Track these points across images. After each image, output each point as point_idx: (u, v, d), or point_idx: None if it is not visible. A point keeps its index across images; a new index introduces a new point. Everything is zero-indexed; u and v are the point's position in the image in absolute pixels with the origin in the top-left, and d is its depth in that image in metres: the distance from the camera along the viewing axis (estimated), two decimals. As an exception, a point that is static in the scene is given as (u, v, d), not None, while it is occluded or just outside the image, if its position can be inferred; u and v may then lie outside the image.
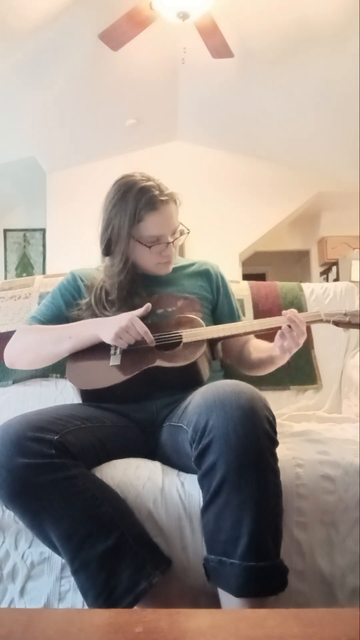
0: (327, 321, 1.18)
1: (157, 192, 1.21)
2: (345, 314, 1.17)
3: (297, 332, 1.14)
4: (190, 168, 5.02)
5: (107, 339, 1.16)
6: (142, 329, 1.16)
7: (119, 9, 2.99)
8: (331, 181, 5.19)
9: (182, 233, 1.29)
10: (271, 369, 1.30)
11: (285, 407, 1.57)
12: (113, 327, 1.15)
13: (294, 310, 1.18)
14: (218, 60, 3.39)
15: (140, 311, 1.19)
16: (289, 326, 1.14)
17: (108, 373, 1.16)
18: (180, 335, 1.18)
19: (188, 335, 1.18)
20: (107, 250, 1.28)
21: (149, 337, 1.17)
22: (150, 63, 3.81)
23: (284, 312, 1.16)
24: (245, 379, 1.07)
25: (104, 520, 0.91)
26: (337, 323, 1.17)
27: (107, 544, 0.89)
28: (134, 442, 1.14)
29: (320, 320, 1.19)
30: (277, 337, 1.17)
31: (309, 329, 1.23)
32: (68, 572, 0.95)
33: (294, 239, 6.37)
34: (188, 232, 1.30)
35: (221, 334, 1.20)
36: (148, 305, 1.21)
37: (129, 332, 1.15)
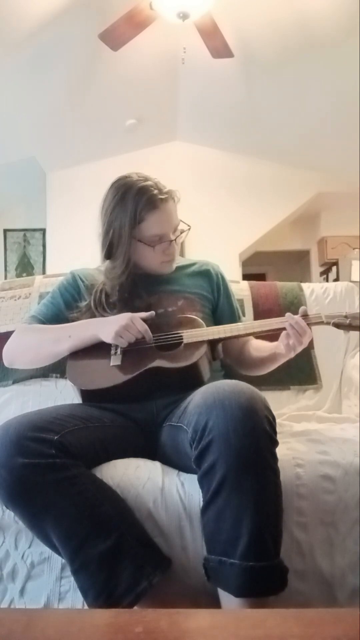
0: (328, 323, 1.18)
1: (156, 191, 1.21)
2: (346, 316, 1.17)
3: (300, 331, 1.15)
4: (190, 168, 5.01)
5: (108, 338, 1.16)
6: (143, 327, 1.16)
7: (119, 9, 2.99)
8: (331, 181, 5.18)
9: (182, 231, 1.29)
10: (272, 367, 1.30)
11: (285, 407, 1.58)
12: (113, 327, 1.15)
13: (299, 315, 1.18)
14: (218, 60, 3.38)
15: (143, 315, 1.19)
16: (293, 327, 1.14)
17: (108, 373, 1.16)
18: (181, 336, 1.18)
19: (189, 335, 1.18)
20: (109, 254, 1.29)
21: (149, 336, 1.17)
22: (150, 63, 3.80)
23: (287, 314, 1.17)
24: (245, 379, 1.07)
25: (104, 520, 0.91)
26: (337, 325, 1.17)
27: (107, 544, 0.89)
28: (134, 442, 1.14)
29: (321, 322, 1.19)
30: (282, 336, 1.17)
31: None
32: (68, 572, 0.95)
33: (294, 239, 6.36)
34: (189, 229, 1.30)
35: (222, 335, 1.20)
36: (152, 312, 1.22)
37: (129, 331, 1.15)
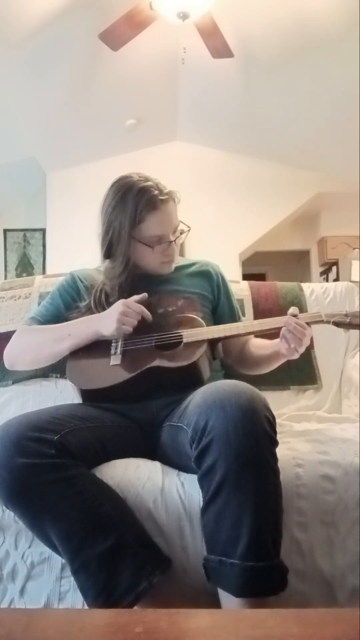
0: (328, 322, 1.18)
1: (156, 192, 1.21)
2: (346, 315, 1.17)
3: (299, 335, 1.14)
4: (190, 168, 5.01)
5: (109, 330, 1.16)
6: (139, 308, 1.17)
7: (119, 9, 2.99)
8: (331, 181, 5.19)
9: (182, 231, 1.29)
10: (274, 365, 1.29)
11: (285, 407, 1.57)
12: (112, 317, 1.15)
13: (294, 314, 1.18)
14: (218, 60, 3.38)
15: (135, 298, 1.20)
16: (291, 332, 1.14)
17: (108, 373, 1.16)
18: (181, 335, 1.18)
19: (188, 335, 1.18)
20: (108, 253, 1.29)
21: (147, 315, 1.18)
22: (150, 63, 3.80)
23: (286, 317, 1.16)
24: (245, 379, 1.07)
25: (104, 520, 0.91)
26: (337, 324, 1.17)
27: (107, 544, 0.89)
28: (134, 442, 1.14)
29: (321, 321, 1.19)
30: (280, 340, 1.16)
31: (309, 330, 1.23)
32: (68, 572, 0.95)
33: (294, 239, 6.36)
34: (189, 230, 1.30)
35: (222, 334, 1.19)
36: (144, 295, 1.22)
37: (128, 316, 1.15)
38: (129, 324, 1.15)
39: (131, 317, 1.16)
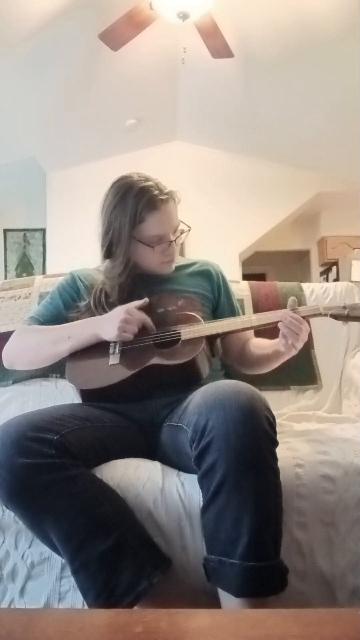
0: (325, 314, 1.17)
1: (156, 192, 1.21)
2: (344, 307, 1.16)
3: (296, 330, 1.13)
4: (190, 168, 5.02)
5: (111, 336, 1.16)
6: (141, 316, 1.18)
7: (119, 9, 2.99)
8: (331, 181, 5.19)
9: (182, 231, 1.29)
10: (275, 364, 1.29)
11: (285, 407, 1.57)
12: (114, 323, 1.15)
13: (292, 306, 1.17)
14: (218, 60, 3.38)
15: (137, 303, 1.20)
16: (287, 327, 1.13)
17: (107, 372, 1.16)
18: (179, 333, 1.18)
19: (186, 332, 1.18)
20: (109, 253, 1.29)
21: (149, 324, 1.18)
22: (150, 63, 3.80)
23: (284, 311, 1.16)
24: (246, 379, 1.07)
25: (104, 520, 0.91)
26: (335, 316, 1.15)
27: (107, 544, 0.89)
28: (134, 442, 1.14)
29: (319, 314, 1.18)
30: (280, 337, 1.16)
31: (308, 328, 1.22)
32: (68, 572, 0.95)
33: (294, 239, 6.36)
34: (189, 230, 1.30)
35: (219, 331, 1.19)
36: (145, 300, 1.22)
37: (130, 324, 1.15)
38: (130, 331, 1.16)
39: (132, 324, 1.16)
